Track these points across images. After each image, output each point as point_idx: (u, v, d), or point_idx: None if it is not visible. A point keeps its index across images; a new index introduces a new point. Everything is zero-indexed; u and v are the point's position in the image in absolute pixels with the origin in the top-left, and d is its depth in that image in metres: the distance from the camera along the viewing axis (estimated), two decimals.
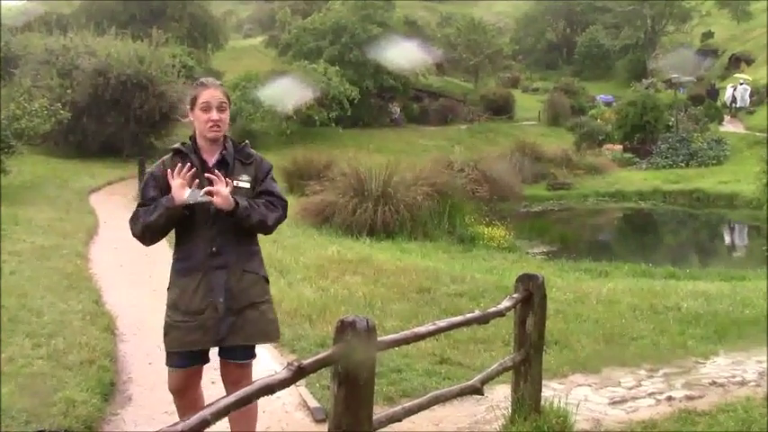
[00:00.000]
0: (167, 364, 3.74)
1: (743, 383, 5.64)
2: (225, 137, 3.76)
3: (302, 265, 9.29)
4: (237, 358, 3.69)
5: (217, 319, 3.58)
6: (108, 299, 7.39)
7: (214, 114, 3.64)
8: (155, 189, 3.66)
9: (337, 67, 30.89)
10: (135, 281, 8.48)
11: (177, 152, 3.72)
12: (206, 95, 3.67)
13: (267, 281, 3.81)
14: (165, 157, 3.77)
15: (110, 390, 5.08)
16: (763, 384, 5.57)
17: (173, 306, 3.67)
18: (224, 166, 3.68)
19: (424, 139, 32.09)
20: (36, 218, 12.07)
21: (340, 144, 26.17)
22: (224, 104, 3.69)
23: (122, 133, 22.58)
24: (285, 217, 3.81)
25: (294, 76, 28.93)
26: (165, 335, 3.68)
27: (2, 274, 7.94)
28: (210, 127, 3.65)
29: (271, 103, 26.47)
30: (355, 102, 30.35)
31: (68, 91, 21.73)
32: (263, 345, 6.30)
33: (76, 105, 21.46)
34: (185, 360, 3.67)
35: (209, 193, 3.53)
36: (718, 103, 35.28)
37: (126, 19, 33.16)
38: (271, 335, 3.81)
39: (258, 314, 3.67)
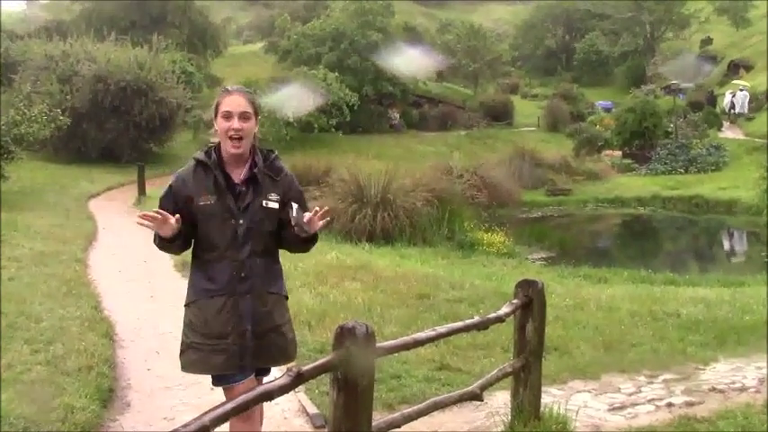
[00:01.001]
0: (215, 384, 3.52)
1: (742, 390, 5.63)
2: (254, 147, 3.47)
3: (301, 271, 9.28)
4: (260, 374, 3.55)
5: (243, 346, 3.36)
6: (107, 305, 7.38)
7: (235, 123, 3.34)
8: (170, 202, 3.39)
9: (337, 73, 30.93)
10: (134, 287, 8.47)
11: (200, 163, 3.41)
12: (227, 103, 3.39)
13: (287, 299, 3.62)
14: (185, 168, 3.48)
15: (108, 396, 5.07)
16: (762, 391, 5.57)
17: (191, 326, 3.43)
18: (254, 183, 3.41)
19: (424, 145, 32.12)
20: (35, 224, 12.07)
21: (339, 150, 26.19)
22: (247, 113, 3.38)
23: (122, 139, 22.63)
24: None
25: (294, 82, 28.98)
26: (182, 353, 3.47)
27: (1, 280, 7.94)
28: (231, 137, 3.35)
29: (271, 109, 26.49)
30: (355, 108, 30.39)
31: (68, 97, 21.78)
32: None
33: (76, 111, 21.52)
34: (229, 378, 3.42)
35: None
36: (717, 110, 35.29)
37: (126, 25, 33.25)
38: (291, 355, 3.59)
39: (280, 337, 3.49)
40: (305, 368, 2.87)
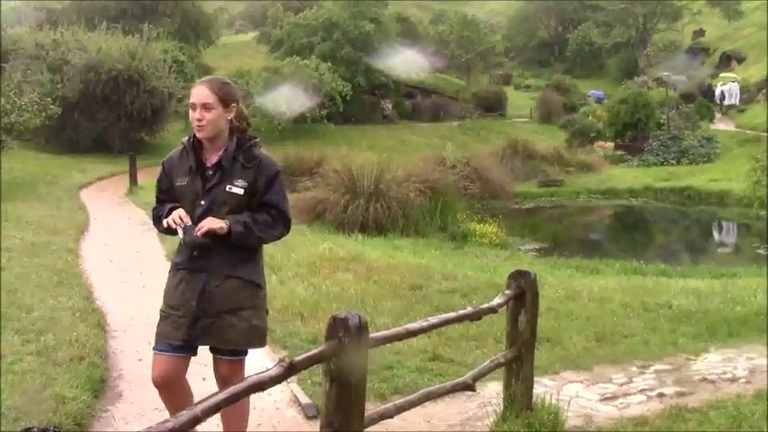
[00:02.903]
0: (153, 349, 3.70)
1: (733, 380, 5.66)
2: (232, 134, 3.65)
3: (294, 262, 9.27)
4: (225, 355, 3.64)
5: (188, 319, 3.54)
6: (98, 295, 7.35)
7: (197, 113, 3.56)
8: (164, 182, 3.72)
9: (329, 64, 30.84)
10: (126, 277, 8.44)
11: (184, 147, 3.67)
12: (193, 94, 3.62)
13: (258, 286, 3.67)
14: (174, 150, 3.75)
15: (100, 386, 5.05)
16: (753, 381, 5.60)
17: (164, 294, 3.72)
18: (220, 168, 3.59)
19: (416, 137, 32.10)
20: (26, 214, 12.01)
21: (332, 141, 26.17)
22: (208, 104, 3.56)
23: (113, 129, 22.54)
24: (287, 232, 3.75)
25: (286, 73, 28.91)
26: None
27: None
28: (195, 126, 3.58)
29: (262, 101, 26.43)
30: (347, 98, 30.33)
31: (59, 86, 21.66)
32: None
33: (67, 101, 21.40)
34: (165, 347, 3.62)
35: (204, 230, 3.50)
36: (730, 103, 34.98)
37: (117, 14, 33.03)
38: (251, 341, 3.67)
39: (237, 320, 3.56)
40: (297, 359, 2.87)
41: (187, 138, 3.70)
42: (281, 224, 3.66)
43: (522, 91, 45.37)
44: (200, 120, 3.56)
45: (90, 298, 7.21)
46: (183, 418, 2.35)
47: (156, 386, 3.72)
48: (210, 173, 3.59)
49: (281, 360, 2.80)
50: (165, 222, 3.58)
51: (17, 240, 9.80)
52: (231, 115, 3.63)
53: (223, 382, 3.63)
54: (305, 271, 8.82)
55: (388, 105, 35.58)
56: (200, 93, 3.59)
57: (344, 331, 2.99)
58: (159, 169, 3.76)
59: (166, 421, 2.32)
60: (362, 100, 33.64)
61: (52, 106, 18.08)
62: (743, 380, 5.66)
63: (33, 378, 4.85)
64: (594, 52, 49.93)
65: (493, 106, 38.40)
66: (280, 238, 3.73)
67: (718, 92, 35.95)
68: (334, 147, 22.22)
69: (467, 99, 38.92)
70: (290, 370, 2.80)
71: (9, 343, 5.52)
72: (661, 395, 5.29)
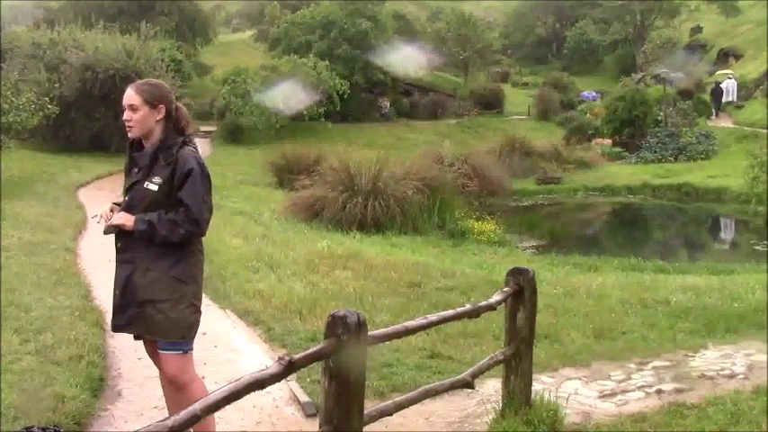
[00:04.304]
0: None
1: (732, 376, 5.67)
2: (166, 134, 3.79)
3: (292, 259, 9.27)
4: (163, 348, 3.80)
5: (116, 305, 3.80)
6: (97, 294, 7.35)
7: (125, 115, 3.80)
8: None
9: (327, 62, 30.80)
10: None
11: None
12: (124, 96, 3.84)
13: (180, 281, 3.74)
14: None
15: (99, 385, 5.05)
16: (751, 377, 5.61)
17: None
18: (143, 165, 3.79)
19: (414, 134, 32.08)
20: (23, 213, 11.99)
21: (329, 139, 26.13)
22: (134, 105, 3.78)
23: (111, 128, 22.38)
24: (199, 231, 3.75)
25: (284, 71, 28.88)
26: None
27: None
28: (127, 126, 3.81)
29: (260, 98, 26.40)
30: (345, 96, 30.30)
31: (56, 85, 21.58)
32: (255, 339, 6.33)
33: (64, 100, 21.32)
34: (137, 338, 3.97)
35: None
36: (724, 100, 34.68)
37: (114, 13, 32.95)
38: (166, 332, 3.74)
39: (155, 311, 3.71)
40: (297, 357, 2.87)
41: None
42: (189, 223, 3.67)
43: (520, 88, 45.32)
44: (128, 120, 3.80)
45: (88, 297, 7.21)
46: (183, 416, 2.36)
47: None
48: (136, 171, 3.81)
49: (281, 358, 2.80)
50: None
51: (15, 239, 9.78)
52: (160, 116, 3.79)
53: (169, 375, 3.81)
54: (303, 269, 8.82)
55: (385, 103, 35.53)
56: (127, 95, 3.83)
57: (343, 329, 3.00)
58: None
59: (166, 419, 2.32)
60: (360, 98, 33.59)
61: (50, 106, 18.03)
62: (741, 376, 5.67)
63: (32, 377, 4.85)
64: (592, 49, 49.94)
65: (491, 104, 38.37)
66: (190, 237, 3.74)
67: (711, 89, 35.67)
68: (332, 145, 22.19)
69: (464, 96, 38.88)
70: (289, 368, 2.80)
71: (8, 342, 5.51)
72: (659, 392, 5.30)
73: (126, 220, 3.70)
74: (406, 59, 33.11)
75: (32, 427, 1.87)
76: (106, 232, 3.78)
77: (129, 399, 4.97)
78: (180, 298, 3.75)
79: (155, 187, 3.70)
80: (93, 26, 25.85)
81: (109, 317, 6.43)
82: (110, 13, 32.14)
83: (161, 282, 3.72)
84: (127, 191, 3.83)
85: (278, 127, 27.41)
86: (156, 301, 3.71)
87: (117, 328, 3.85)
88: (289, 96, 26.64)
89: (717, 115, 33.86)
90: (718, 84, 34.94)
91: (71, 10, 32.80)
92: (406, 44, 33.83)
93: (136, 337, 3.95)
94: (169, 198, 3.70)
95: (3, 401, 4.37)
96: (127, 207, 3.76)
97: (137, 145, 3.86)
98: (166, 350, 3.77)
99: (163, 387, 3.97)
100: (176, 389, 3.78)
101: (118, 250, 3.79)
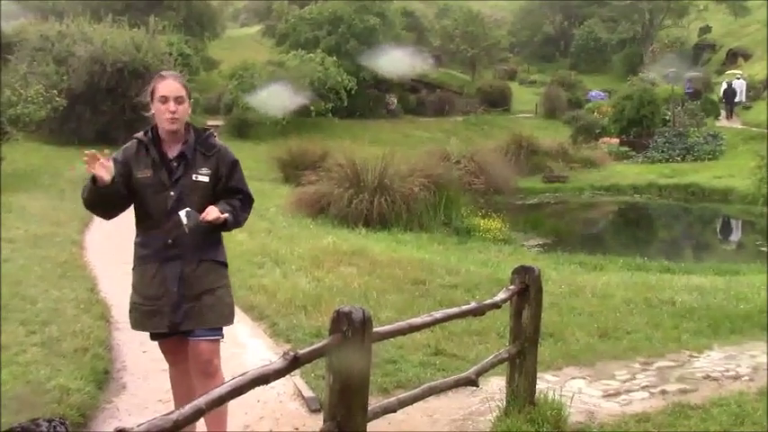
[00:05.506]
0: (150, 339, 3.97)
1: (736, 378, 5.66)
2: (189, 127, 3.80)
3: (297, 255, 9.28)
4: (205, 336, 3.75)
5: (170, 305, 3.69)
6: (102, 287, 7.38)
7: (171, 106, 3.67)
8: (122, 169, 3.72)
9: (334, 58, 30.77)
10: (129, 269, 8.43)
11: (140, 142, 3.76)
12: (163, 87, 3.71)
13: (225, 266, 3.87)
14: (127, 145, 3.82)
15: (104, 378, 5.07)
16: (756, 379, 5.59)
17: (134, 288, 3.84)
18: (184, 158, 3.73)
19: (421, 131, 32.05)
20: (30, 205, 12.03)
21: (335, 135, 26.12)
22: (181, 97, 3.71)
23: (118, 121, 22.44)
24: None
25: (291, 66, 28.86)
26: (129, 313, 3.88)
27: None
28: (167, 119, 3.68)
29: (267, 94, 26.37)
30: (352, 92, 30.28)
31: (64, 78, 21.63)
32: (259, 334, 6.34)
33: (72, 93, 21.37)
34: (158, 335, 3.87)
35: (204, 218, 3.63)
36: (737, 100, 34.44)
37: (122, 7, 32.91)
38: (227, 318, 3.85)
39: (214, 299, 3.75)
40: (301, 352, 2.87)
41: (143, 132, 3.80)
42: (248, 206, 3.87)
43: (527, 86, 45.22)
44: (174, 112, 3.69)
45: (94, 290, 7.23)
46: (188, 410, 2.36)
47: (168, 363, 4.02)
48: (175, 164, 3.72)
49: (286, 353, 2.80)
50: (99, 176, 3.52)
51: (21, 232, 9.82)
52: (190, 109, 3.81)
53: (204, 362, 3.75)
54: (308, 264, 8.83)
55: (392, 100, 35.50)
56: (173, 86, 3.72)
57: (348, 325, 3.00)
58: (111, 160, 3.67)
59: (171, 413, 2.32)
60: (367, 94, 33.57)
61: (58, 98, 18.07)
62: (746, 377, 5.66)
63: (38, 369, 4.87)
64: (600, 48, 49.75)
65: (497, 101, 38.30)
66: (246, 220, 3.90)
67: (723, 88, 35.52)
68: (338, 141, 22.19)
69: (471, 94, 38.81)
70: (294, 363, 2.81)
71: (14, 334, 5.54)
72: (664, 392, 5.30)
73: (219, 213, 3.64)
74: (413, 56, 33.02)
75: (38, 418, 1.87)
76: (196, 227, 3.62)
77: (133, 392, 4.98)
78: (228, 282, 3.88)
79: (205, 179, 3.73)
80: (101, 20, 25.89)
81: (115, 311, 6.53)
82: (118, 7, 32.10)
83: (214, 270, 3.78)
84: (168, 187, 3.68)
85: (284, 122, 27.41)
86: (214, 289, 3.75)
87: (174, 326, 3.72)
88: (295, 92, 26.58)
89: (730, 117, 33.57)
90: (730, 84, 34.63)
91: (80, 3, 32.81)
92: (414, 41, 33.66)
93: (153, 336, 3.88)
94: (215, 188, 3.76)
95: (8, 393, 4.39)
96: (177, 202, 3.67)
97: (156, 139, 3.75)
98: (206, 337, 3.74)
99: (195, 377, 3.83)
100: (208, 376, 3.72)
101: (166, 247, 3.69)
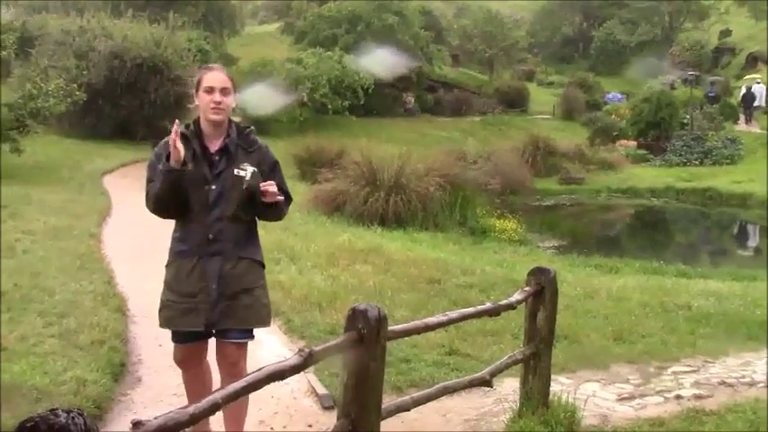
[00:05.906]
0: (172, 340, 3.83)
1: (752, 384, 5.62)
2: (230, 122, 3.78)
3: (313, 252, 9.30)
4: (235, 338, 3.70)
5: (209, 303, 3.61)
6: (120, 280, 7.43)
7: (216, 96, 3.66)
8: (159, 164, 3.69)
9: (352, 56, 30.79)
10: (147, 263, 8.49)
11: (182, 135, 3.67)
12: (209, 78, 3.70)
13: (263, 265, 3.82)
14: (168, 138, 3.70)
15: (120, 370, 5.11)
16: None
17: (167, 285, 3.73)
18: (226, 153, 3.69)
19: (437, 131, 32.02)
20: (49, 198, 12.13)
21: (352, 133, 26.12)
22: (227, 88, 3.70)
23: (136, 116, 22.60)
24: None
25: (309, 64, 28.89)
26: (160, 311, 3.76)
27: (13, 254, 8.00)
28: (212, 109, 3.66)
29: (286, 90, 26.40)
30: (369, 91, 30.30)
31: (84, 72, 21.75)
32: (274, 330, 6.36)
33: (92, 87, 21.48)
34: (185, 337, 3.74)
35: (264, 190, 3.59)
36: (756, 104, 33.96)
37: (142, 3, 33.12)
38: (263, 319, 3.80)
39: (252, 299, 3.70)
40: (317, 349, 2.88)
41: (185, 125, 3.75)
42: (288, 205, 3.83)
43: (545, 87, 45.04)
44: (219, 103, 3.66)
45: (111, 283, 7.28)
46: (204, 404, 2.37)
47: (177, 366, 3.87)
48: (217, 158, 3.68)
49: (301, 350, 2.82)
50: (174, 147, 3.50)
51: (40, 224, 9.90)
52: (233, 103, 3.79)
53: (231, 365, 3.70)
54: (324, 262, 8.84)
55: (409, 99, 35.47)
56: (219, 77, 3.71)
57: (364, 323, 3.01)
58: (152, 159, 3.76)
59: (186, 407, 2.34)
60: (384, 93, 33.55)
61: (78, 92, 18.20)
62: (761, 384, 5.62)
63: (55, 360, 4.92)
64: (619, 50, 49.47)
65: (515, 102, 38.18)
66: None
67: (742, 93, 35.18)
68: (355, 139, 22.16)
69: (489, 94, 38.71)
70: (309, 360, 2.82)
71: (32, 325, 5.59)
72: (678, 397, 5.27)
73: (276, 191, 3.62)
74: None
75: (57, 408, 1.89)
76: (254, 188, 3.58)
77: (148, 385, 5.02)
78: (265, 282, 3.82)
79: (247, 174, 3.68)
80: (122, 15, 26.04)
81: (131, 304, 6.58)
82: (138, 3, 32.32)
83: (253, 269, 3.73)
84: (210, 180, 3.63)
85: (301, 119, 27.46)
86: (252, 288, 3.70)
87: (210, 325, 3.64)
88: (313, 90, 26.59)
89: (749, 121, 33.27)
90: (749, 88, 34.28)
91: None
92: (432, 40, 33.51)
93: (177, 338, 3.76)
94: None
95: (26, 383, 4.44)
96: (218, 196, 3.62)
97: (198, 133, 3.72)
98: (236, 339, 3.69)
99: (221, 377, 3.77)
100: (233, 378, 3.50)
101: (206, 242, 3.62)
